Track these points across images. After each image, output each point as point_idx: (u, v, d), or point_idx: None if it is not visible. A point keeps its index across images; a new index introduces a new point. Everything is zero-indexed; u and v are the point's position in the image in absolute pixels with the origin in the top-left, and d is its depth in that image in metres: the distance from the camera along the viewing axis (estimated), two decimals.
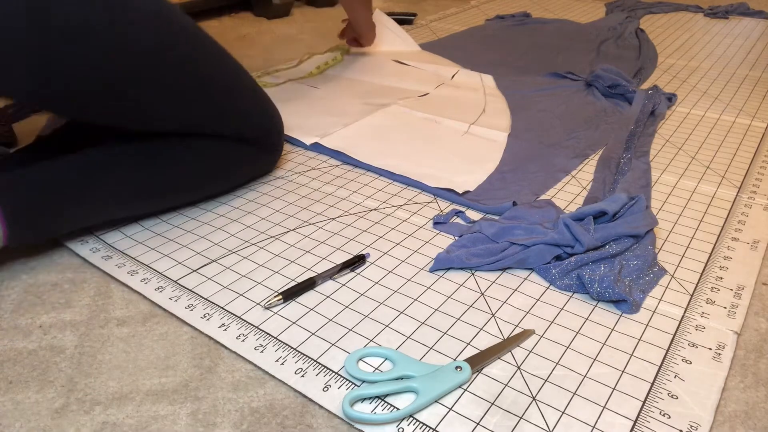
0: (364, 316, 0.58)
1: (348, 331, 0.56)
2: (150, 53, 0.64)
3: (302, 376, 0.51)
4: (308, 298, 0.60)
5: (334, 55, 1.28)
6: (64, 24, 0.58)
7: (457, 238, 0.69)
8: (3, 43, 0.56)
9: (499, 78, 1.20)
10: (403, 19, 1.62)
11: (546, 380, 0.50)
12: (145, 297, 0.60)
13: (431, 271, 0.64)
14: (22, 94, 0.61)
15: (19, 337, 0.56)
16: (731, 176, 0.84)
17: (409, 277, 0.63)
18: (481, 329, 0.56)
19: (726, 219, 0.74)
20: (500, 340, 0.55)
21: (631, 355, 0.53)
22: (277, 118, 0.80)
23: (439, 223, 0.72)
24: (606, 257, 0.63)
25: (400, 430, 0.46)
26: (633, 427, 0.46)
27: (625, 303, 0.58)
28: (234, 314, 0.58)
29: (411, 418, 0.47)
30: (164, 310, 0.59)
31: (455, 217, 0.74)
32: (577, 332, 0.56)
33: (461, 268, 0.64)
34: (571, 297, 0.60)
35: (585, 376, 0.51)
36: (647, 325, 0.57)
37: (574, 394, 0.49)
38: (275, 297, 0.58)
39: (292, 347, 0.54)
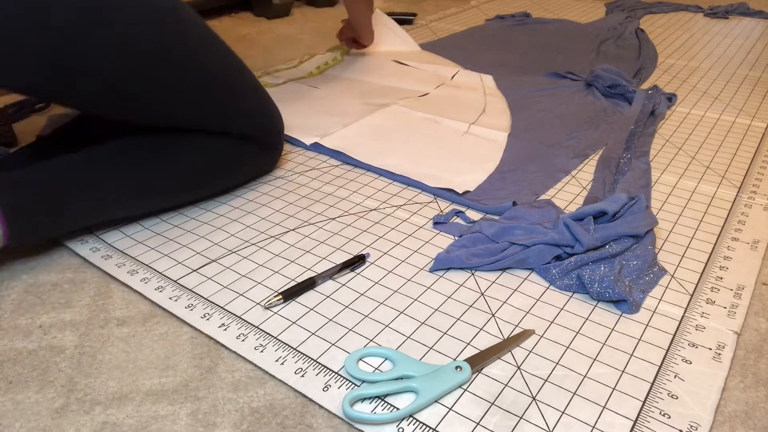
0: (364, 316, 0.58)
1: (348, 331, 0.56)
2: (158, 49, 0.65)
3: (302, 376, 0.51)
4: (308, 298, 0.60)
5: (334, 56, 1.28)
6: (71, 18, 0.58)
7: (457, 238, 0.69)
8: (11, 30, 0.57)
9: (499, 78, 1.20)
10: (403, 19, 1.62)
11: (546, 380, 0.50)
12: (145, 297, 0.60)
13: (431, 271, 0.64)
14: (31, 87, 0.62)
15: (19, 337, 0.56)
16: (731, 176, 0.84)
17: (409, 277, 0.63)
18: (481, 329, 0.56)
19: (726, 219, 0.74)
20: (500, 340, 0.54)
21: (631, 355, 0.53)
22: (278, 117, 0.80)
23: (439, 223, 0.72)
24: (606, 257, 0.63)
25: (400, 430, 0.46)
26: (633, 427, 0.46)
27: (625, 303, 0.58)
28: (234, 314, 0.58)
29: (411, 418, 0.47)
30: (164, 309, 0.59)
31: (455, 217, 0.74)
32: (577, 332, 0.56)
33: (461, 268, 0.64)
34: (571, 297, 0.60)
35: (585, 376, 0.51)
36: (647, 325, 0.57)
37: (574, 394, 0.49)
38: (275, 297, 0.58)
39: (292, 347, 0.54)
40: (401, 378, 0.50)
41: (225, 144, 0.74)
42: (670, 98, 1.10)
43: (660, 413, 0.47)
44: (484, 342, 0.54)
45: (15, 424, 0.47)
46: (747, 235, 0.71)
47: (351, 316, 0.57)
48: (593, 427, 0.46)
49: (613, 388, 0.50)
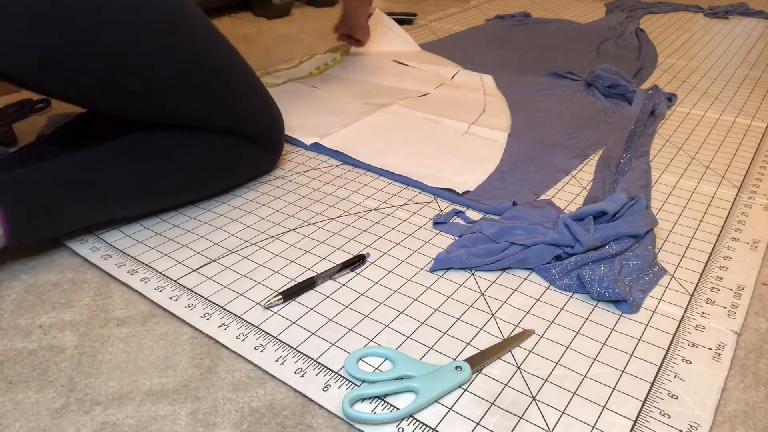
0: (364, 315, 0.58)
1: (348, 331, 0.56)
2: (163, 45, 0.65)
3: (302, 375, 0.51)
4: (308, 297, 0.60)
5: (334, 56, 1.28)
6: (77, 12, 0.59)
7: (457, 238, 0.69)
8: (13, 17, 0.57)
9: (499, 78, 1.20)
10: (403, 19, 1.62)
11: (546, 380, 0.50)
12: (145, 297, 0.60)
13: (431, 271, 0.64)
14: (30, 78, 0.62)
15: (19, 337, 0.56)
16: (731, 176, 0.84)
17: (409, 277, 0.63)
18: (481, 329, 0.56)
19: (726, 219, 0.74)
20: (500, 340, 0.54)
21: (631, 355, 0.53)
22: (279, 116, 0.81)
23: (439, 223, 0.72)
24: (606, 257, 0.63)
25: (400, 430, 0.46)
26: (633, 427, 0.46)
27: (625, 303, 0.58)
28: (234, 314, 0.58)
29: (411, 418, 0.47)
30: (164, 309, 0.59)
31: (455, 217, 0.74)
32: (577, 332, 0.56)
33: (461, 268, 0.64)
34: (571, 297, 0.60)
35: (585, 376, 0.51)
36: (647, 325, 0.57)
37: (574, 394, 0.49)
38: (275, 297, 0.58)
39: (292, 347, 0.54)
40: (401, 378, 0.50)
41: (225, 143, 0.74)
42: (670, 98, 1.10)
43: (660, 413, 0.47)
44: (484, 342, 0.54)
45: (15, 424, 0.47)
46: (747, 235, 0.71)
47: (351, 316, 0.57)
48: (593, 427, 0.46)
49: (613, 388, 0.50)
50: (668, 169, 0.86)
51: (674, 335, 0.55)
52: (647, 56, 1.35)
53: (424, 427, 0.46)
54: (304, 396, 0.49)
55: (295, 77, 1.19)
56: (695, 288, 0.62)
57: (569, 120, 1.01)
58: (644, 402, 0.48)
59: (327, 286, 0.61)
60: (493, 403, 0.48)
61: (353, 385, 0.50)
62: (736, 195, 0.80)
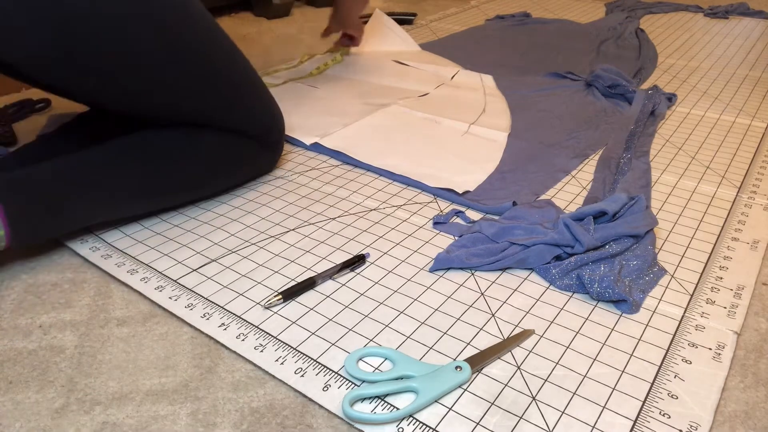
0: (364, 315, 0.58)
1: (348, 331, 0.56)
2: (165, 41, 0.65)
3: (302, 375, 0.51)
4: (308, 297, 0.60)
5: (334, 56, 1.28)
6: (80, 7, 0.59)
7: (457, 238, 0.69)
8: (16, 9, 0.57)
9: (499, 78, 1.20)
10: (403, 19, 1.62)
11: (546, 380, 0.50)
12: (144, 296, 0.60)
13: (431, 271, 0.64)
14: (35, 69, 0.62)
15: (19, 337, 0.56)
16: (731, 176, 0.84)
17: (409, 277, 0.63)
18: (481, 329, 0.56)
19: (726, 219, 0.74)
20: (500, 340, 0.54)
21: (631, 355, 0.53)
22: (279, 115, 0.81)
23: (439, 223, 0.72)
24: (606, 257, 0.63)
25: (400, 430, 0.46)
26: (633, 427, 0.46)
27: (625, 303, 0.58)
28: (234, 314, 0.58)
29: (411, 418, 0.47)
30: (164, 309, 0.59)
31: (455, 217, 0.74)
32: (577, 332, 0.56)
33: (461, 268, 0.64)
34: (571, 297, 0.60)
35: (585, 376, 0.51)
36: (647, 325, 0.57)
37: (574, 394, 0.49)
38: (275, 296, 0.58)
39: (292, 347, 0.54)
40: (401, 378, 0.50)
41: (225, 143, 0.74)
42: (670, 98, 1.10)
43: (660, 413, 0.47)
44: (484, 342, 0.54)
45: (15, 424, 0.47)
46: (747, 235, 0.71)
47: (351, 316, 0.57)
48: (593, 427, 0.46)
49: (613, 388, 0.50)
50: (668, 169, 0.86)
51: (674, 335, 0.55)
52: (647, 56, 1.35)
53: (424, 427, 0.46)
54: (304, 396, 0.49)
55: (295, 77, 1.19)
56: (695, 288, 0.62)
57: (569, 120, 1.01)
58: (644, 402, 0.48)
59: (327, 286, 0.61)
60: (493, 403, 0.48)
61: (353, 385, 0.50)
62: (736, 195, 0.80)
